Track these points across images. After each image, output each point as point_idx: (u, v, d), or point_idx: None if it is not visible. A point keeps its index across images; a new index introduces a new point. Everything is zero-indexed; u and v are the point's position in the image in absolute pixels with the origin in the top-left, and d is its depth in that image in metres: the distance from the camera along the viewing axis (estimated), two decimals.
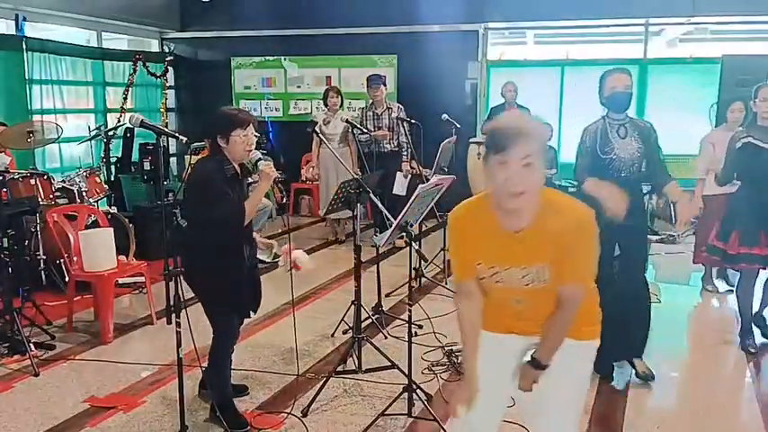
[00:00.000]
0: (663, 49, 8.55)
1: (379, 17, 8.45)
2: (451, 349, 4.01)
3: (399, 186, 5.99)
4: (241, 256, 3.06)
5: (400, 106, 6.77)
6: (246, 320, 4.15)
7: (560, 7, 7.94)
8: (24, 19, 6.95)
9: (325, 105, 6.84)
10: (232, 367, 3.63)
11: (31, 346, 4.01)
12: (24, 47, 6.96)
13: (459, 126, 6.11)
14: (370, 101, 6.86)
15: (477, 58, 8.47)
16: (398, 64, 8.60)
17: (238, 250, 3.04)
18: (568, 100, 8.37)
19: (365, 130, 6.37)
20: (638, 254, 3.69)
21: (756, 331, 4.22)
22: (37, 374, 3.78)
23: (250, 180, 3.33)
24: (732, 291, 4.96)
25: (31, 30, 7.11)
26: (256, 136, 3.05)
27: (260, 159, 3.03)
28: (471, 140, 7.53)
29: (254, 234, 3.44)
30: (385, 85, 6.78)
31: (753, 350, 4.04)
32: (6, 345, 4.05)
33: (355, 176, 3.78)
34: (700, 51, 8.21)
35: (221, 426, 3.12)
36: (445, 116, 6.09)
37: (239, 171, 3.06)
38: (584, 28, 8.49)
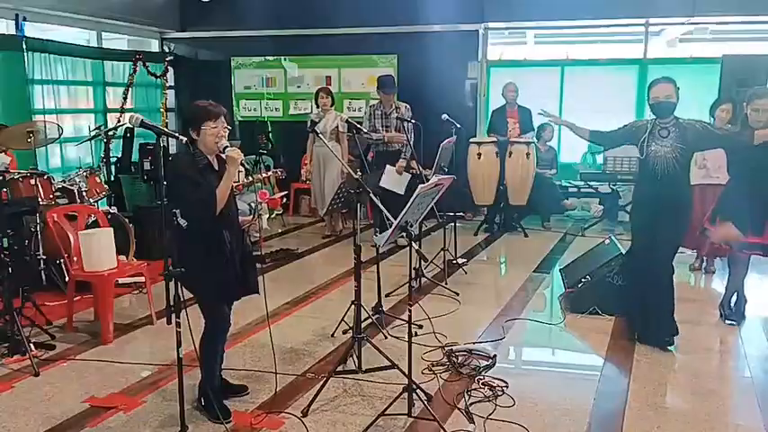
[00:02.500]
0: (663, 49, 8.56)
1: (379, 17, 8.45)
2: (451, 349, 4.01)
3: (389, 180, 5.97)
4: (221, 241, 3.12)
5: (407, 106, 6.75)
6: (246, 320, 4.18)
7: (560, 7, 7.94)
8: (24, 19, 6.94)
9: (317, 105, 7.07)
10: (232, 367, 3.65)
11: (31, 346, 4.00)
12: (25, 47, 6.96)
13: (459, 126, 6.12)
14: (378, 100, 6.86)
15: (477, 58, 8.48)
16: (399, 64, 8.60)
17: (218, 236, 3.11)
18: (568, 100, 8.39)
19: (365, 131, 6.37)
20: (667, 243, 4.02)
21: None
22: (37, 374, 3.78)
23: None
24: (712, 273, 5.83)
25: (32, 30, 7.10)
26: (227, 129, 3.14)
27: (227, 147, 3.09)
28: (471, 140, 7.53)
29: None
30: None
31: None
32: (6, 345, 4.04)
33: (355, 176, 3.78)
34: (700, 51, 8.22)
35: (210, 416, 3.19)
36: (445, 116, 6.09)
37: (213, 162, 3.15)
38: (585, 28, 8.50)
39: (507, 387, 3.55)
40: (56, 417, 3.29)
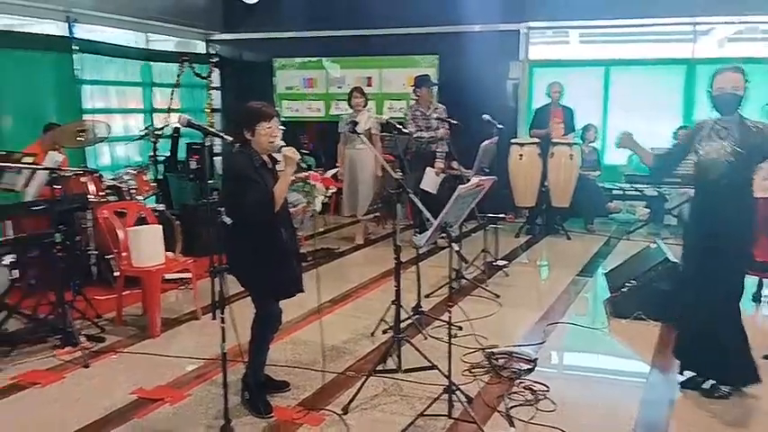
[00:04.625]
0: (712, 48, 8.31)
1: (420, 17, 8.44)
2: (492, 352, 3.99)
3: (429, 182, 5.98)
4: (276, 238, 3.19)
5: (444, 107, 6.78)
6: (288, 317, 4.22)
7: (605, 6, 7.80)
8: (75, 21, 7.18)
9: (350, 106, 6.91)
10: (274, 363, 3.70)
11: (82, 338, 4.14)
12: (75, 48, 7.18)
13: (500, 127, 6.08)
14: (415, 101, 6.87)
15: (518, 57, 8.39)
16: (440, 64, 8.58)
17: (273, 234, 3.18)
18: (613, 101, 8.23)
19: (412, 131, 6.40)
20: (723, 279, 3.41)
21: None
22: (87, 366, 3.90)
23: (279, 168, 3.40)
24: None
25: (81, 32, 7.31)
26: (281, 129, 3.21)
27: (283, 146, 3.16)
28: (513, 141, 7.47)
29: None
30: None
31: None
32: (59, 337, 4.18)
33: (395, 176, 3.79)
34: (750, 51, 7.96)
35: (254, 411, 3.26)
36: (486, 116, 6.06)
37: (267, 161, 3.23)
38: (631, 27, 8.32)
39: (548, 391, 3.51)
40: (105, 407, 3.39)
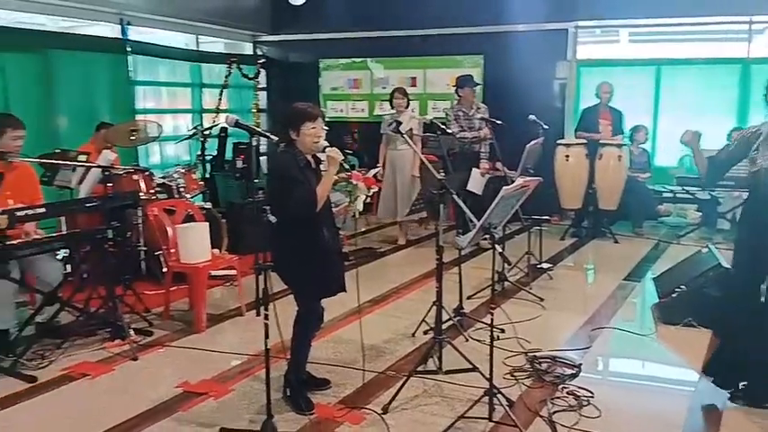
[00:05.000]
0: None
1: (465, 18, 8.40)
2: (534, 355, 3.94)
3: (474, 183, 5.93)
4: (318, 238, 3.22)
5: (486, 107, 6.74)
6: (330, 316, 4.25)
7: (656, 5, 7.59)
8: (129, 24, 7.40)
9: (391, 106, 6.84)
10: (315, 360, 3.74)
11: (131, 331, 4.25)
12: (128, 50, 7.40)
13: (546, 127, 5.98)
14: (456, 101, 6.84)
15: (566, 57, 8.26)
16: (485, 64, 8.51)
17: (316, 233, 3.21)
18: (665, 101, 8.01)
19: (456, 131, 6.37)
20: None
21: None
22: (135, 359, 4.02)
23: (323, 168, 3.43)
24: None
25: (135, 34, 7.53)
26: (325, 129, 3.23)
27: (327, 146, 3.18)
28: (559, 142, 7.35)
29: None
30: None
31: None
32: (109, 330, 4.31)
33: (438, 177, 3.77)
34: None
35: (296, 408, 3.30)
36: (532, 117, 5.98)
37: (311, 161, 3.26)
38: (683, 26, 8.09)
39: (593, 397, 3.44)
40: (152, 399, 3.47)
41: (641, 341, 4.35)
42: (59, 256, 4.88)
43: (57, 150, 5.89)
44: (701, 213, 7.72)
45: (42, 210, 3.97)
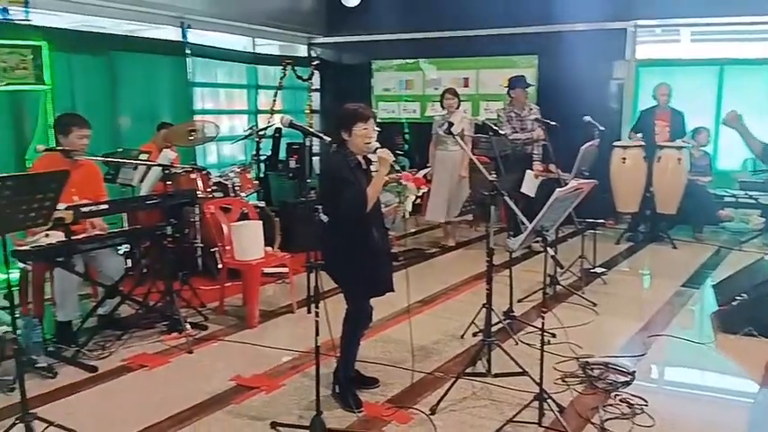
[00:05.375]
0: None
1: (519, 17, 8.30)
2: (587, 361, 3.86)
3: (528, 185, 5.87)
4: (368, 238, 3.25)
5: (538, 108, 6.65)
6: (379, 316, 4.28)
7: (720, 3, 7.32)
8: (189, 27, 7.62)
9: (442, 107, 6.79)
10: (364, 359, 3.77)
11: (187, 325, 4.37)
12: (188, 52, 7.63)
13: (602, 129, 5.86)
14: (509, 101, 6.78)
15: (624, 57, 8.06)
16: (539, 64, 8.40)
17: (366, 233, 3.25)
18: (728, 102, 7.72)
19: (507, 132, 6.31)
20: None
21: None
22: (191, 352, 4.14)
23: (373, 169, 3.45)
24: None
25: (193, 36, 7.74)
26: (377, 130, 3.24)
27: (378, 148, 3.20)
28: (615, 144, 7.18)
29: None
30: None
31: None
32: (166, 323, 4.45)
33: (490, 178, 3.74)
34: None
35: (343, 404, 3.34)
36: (587, 118, 5.87)
37: (362, 162, 3.29)
38: (747, 25, 7.77)
39: (647, 405, 3.35)
40: (206, 392, 3.57)
41: (699, 350, 4.21)
42: (121, 251, 5.07)
43: (119, 149, 6.13)
44: (764, 219, 7.41)
45: (105, 206, 4.14)
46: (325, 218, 3.24)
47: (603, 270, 5.83)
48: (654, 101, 7.08)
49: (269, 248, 5.02)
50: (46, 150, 4.21)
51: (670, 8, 7.66)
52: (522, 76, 6.81)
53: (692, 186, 7.07)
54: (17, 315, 3.00)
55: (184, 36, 7.58)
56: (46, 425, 2.97)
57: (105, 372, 3.84)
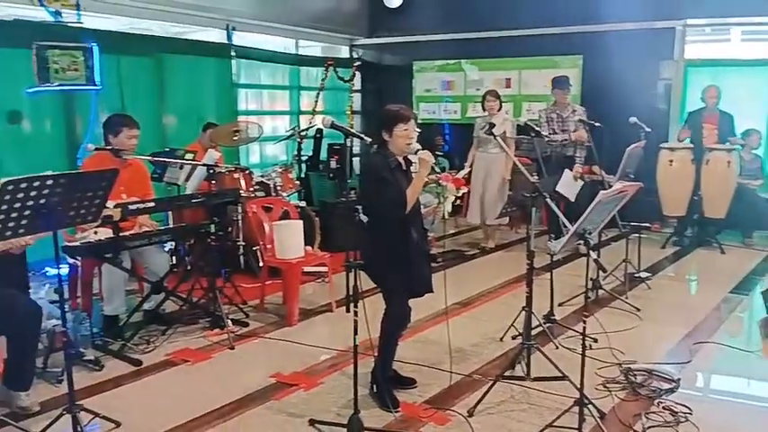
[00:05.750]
0: None
1: (562, 17, 8.19)
2: (629, 367, 3.78)
3: (565, 185, 5.75)
4: (407, 238, 3.26)
5: (584, 109, 6.54)
6: (417, 316, 4.29)
7: None
8: (234, 29, 7.76)
9: (483, 109, 6.73)
10: (402, 359, 3.77)
11: (229, 322, 4.45)
12: (232, 54, 7.76)
13: (649, 130, 5.73)
14: (552, 102, 6.70)
15: (672, 57, 7.87)
16: (583, 65, 8.26)
17: (405, 234, 3.26)
18: None
19: (546, 134, 6.23)
20: None
21: None
22: (232, 348, 4.21)
23: (413, 170, 3.46)
24: None
25: (238, 39, 7.88)
26: (417, 131, 3.24)
27: (419, 149, 3.20)
28: (662, 146, 7.01)
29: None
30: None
31: None
32: (209, 319, 4.54)
33: (531, 179, 3.71)
34: None
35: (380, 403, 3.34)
36: (633, 119, 5.75)
37: (402, 163, 3.30)
38: None
39: (691, 414, 3.27)
40: (246, 387, 3.63)
41: (747, 358, 4.08)
42: (166, 249, 5.19)
43: (166, 149, 6.28)
44: None
45: (152, 204, 4.25)
46: (365, 218, 3.26)
47: (648, 275, 5.71)
48: (702, 103, 6.90)
49: (309, 248, 5.07)
50: (96, 149, 4.34)
51: (720, 7, 7.45)
52: (565, 76, 6.72)
53: (742, 190, 6.86)
54: (66, 309, 3.10)
55: (229, 38, 7.72)
56: (91, 416, 3.06)
57: (149, 366, 3.94)
